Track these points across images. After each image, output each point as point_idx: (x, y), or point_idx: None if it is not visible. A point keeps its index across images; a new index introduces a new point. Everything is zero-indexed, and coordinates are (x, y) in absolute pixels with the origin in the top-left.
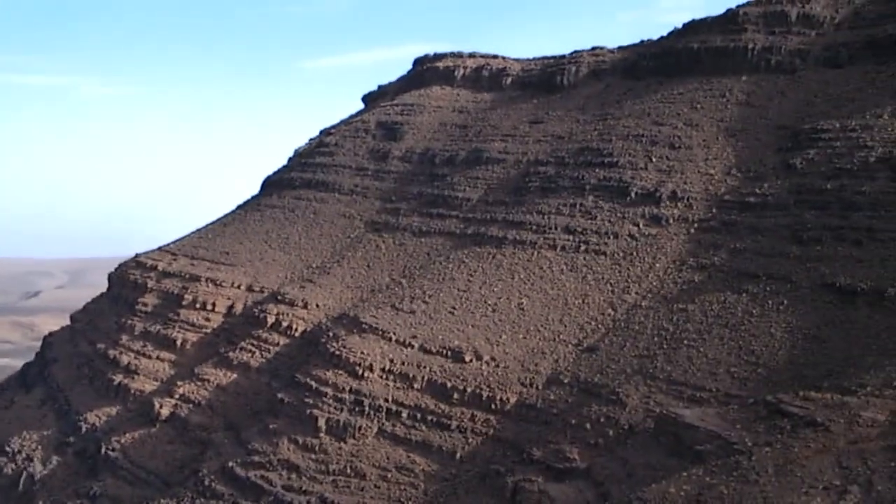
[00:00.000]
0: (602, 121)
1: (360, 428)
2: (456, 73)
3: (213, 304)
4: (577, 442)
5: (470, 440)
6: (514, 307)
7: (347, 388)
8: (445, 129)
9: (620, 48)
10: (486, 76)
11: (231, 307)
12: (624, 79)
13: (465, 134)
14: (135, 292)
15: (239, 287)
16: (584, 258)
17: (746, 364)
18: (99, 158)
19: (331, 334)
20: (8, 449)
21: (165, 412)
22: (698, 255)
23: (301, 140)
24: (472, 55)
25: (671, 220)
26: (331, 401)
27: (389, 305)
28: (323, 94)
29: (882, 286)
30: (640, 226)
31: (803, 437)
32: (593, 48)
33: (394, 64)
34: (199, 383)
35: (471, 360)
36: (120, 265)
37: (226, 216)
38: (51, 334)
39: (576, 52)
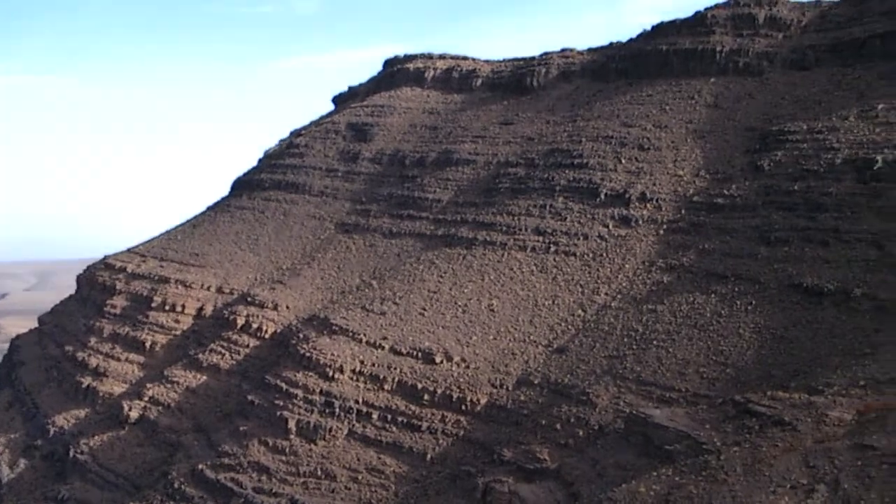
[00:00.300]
0: (572, 122)
1: (330, 429)
2: (426, 74)
3: (183, 306)
4: (547, 442)
5: (440, 441)
6: (484, 308)
7: (318, 390)
8: (416, 130)
9: (590, 50)
10: (456, 77)
11: (201, 309)
12: (593, 80)
13: (435, 135)
14: (103, 294)
15: (208, 289)
16: (554, 259)
17: (715, 364)
18: (66, 159)
19: (301, 336)
20: None
21: (134, 415)
22: (667, 255)
23: (271, 141)
24: (442, 56)
25: (640, 222)
26: (301, 402)
27: (360, 307)
28: (293, 94)
29: (848, 287)
30: (610, 227)
31: (771, 436)
32: (563, 50)
33: (364, 65)
34: (168, 385)
35: (441, 362)
36: (88, 267)
37: (195, 217)
38: (18, 337)
39: (545, 53)
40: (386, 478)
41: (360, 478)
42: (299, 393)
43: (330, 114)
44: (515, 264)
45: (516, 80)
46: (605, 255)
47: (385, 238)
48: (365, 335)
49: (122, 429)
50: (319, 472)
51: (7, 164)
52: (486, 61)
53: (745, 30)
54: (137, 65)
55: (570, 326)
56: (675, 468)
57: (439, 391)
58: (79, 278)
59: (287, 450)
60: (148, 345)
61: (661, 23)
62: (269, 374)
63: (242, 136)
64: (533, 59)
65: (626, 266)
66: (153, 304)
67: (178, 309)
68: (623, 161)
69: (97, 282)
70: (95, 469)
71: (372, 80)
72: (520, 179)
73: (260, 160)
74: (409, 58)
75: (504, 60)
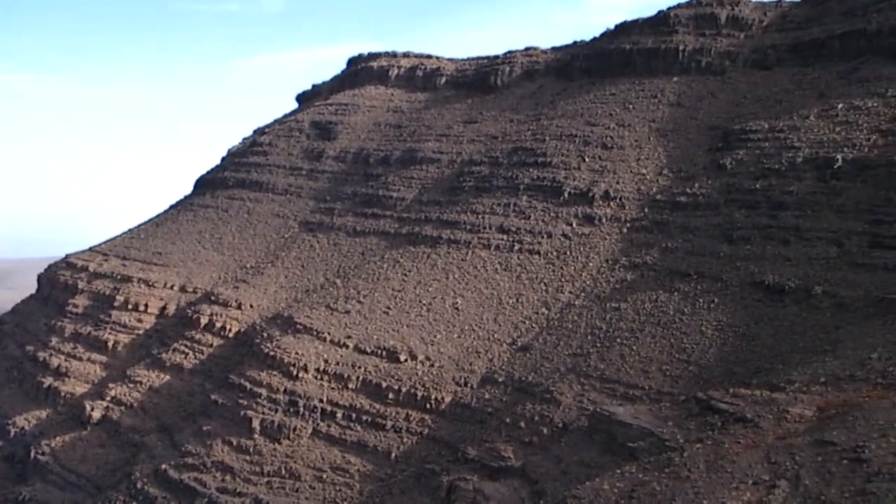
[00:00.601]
0: (535, 121)
1: (294, 429)
2: (390, 72)
3: (146, 305)
4: (511, 440)
5: (405, 440)
6: (448, 307)
7: (282, 389)
8: (380, 128)
9: (553, 49)
10: (420, 76)
11: (164, 308)
12: (557, 79)
13: (399, 134)
14: (65, 293)
15: (172, 288)
16: (518, 258)
17: (678, 361)
18: (22, 157)
19: (265, 335)
20: None
21: (97, 415)
22: (630, 254)
23: (235, 139)
24: (406, 55)
25: (604, 220)
26: (265, 402)
27: (324, 305)
28: (257, 92)
29: (809, 284)
30: (574, 225)
31: (733, 433)
32: (527, 49)
33: (329, 63)
34: (131, 385)
35: (406, 360)
36: (50, 266)
37: (158, 216)
38: None
39: (509, 52)
40: (350, 477)
41: (324, 477)
42: (263, 392)
43: (294, 112)
44: (480, 263)
45: (480, 78)
46: (568, 253)
47: (349, 237)
48: (329, 334)
49: (85, 429)
50: (284, 472)
51: None
52: (451, 60)
53: (708, 29)
54: (99, 62)
55: (534, 325)
56: (638, 465)
57: (404, 390)
58: (40, 277)
59: (251, 449)
60: (110, 344)
61: (624, 22)
62: (233, 373)
63: (207, 135)
64: (497, 57)
65: (590, 264)
66: (115, 304)
67: (141, 308)
68: (586, 160)
69: (59, 281)
70: (57, 470)
71: (336, 79)
72: (484, 178)
73: (223, 158)
74: (373, 56)
75: (468, 59)
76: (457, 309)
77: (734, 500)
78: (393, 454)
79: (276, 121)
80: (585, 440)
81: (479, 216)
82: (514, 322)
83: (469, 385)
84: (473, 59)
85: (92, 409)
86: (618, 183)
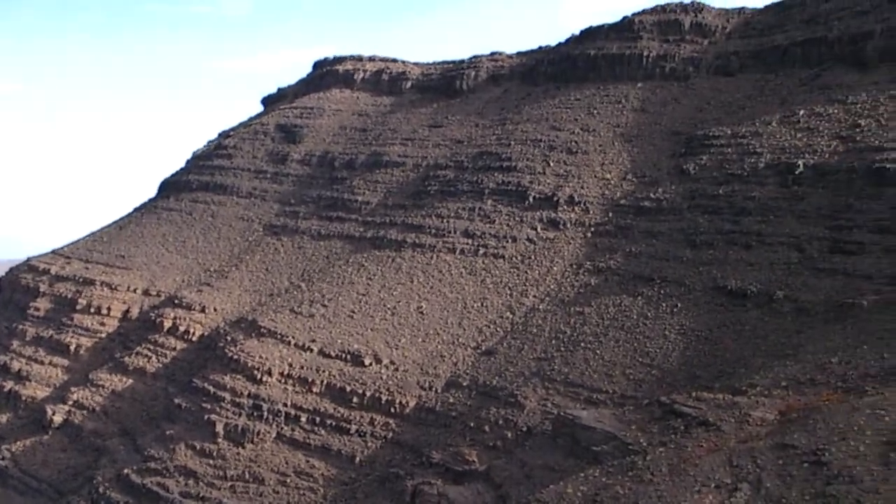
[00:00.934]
0: (501, 125)
1: (258, 433)
2: (356, 76)
3: (109, 309)
4: (475, 444)
5: (369, 444)
6: (413, 311)
7: (246, 393)
8: (345, 132)
9: (519, 53)
10: (386, 80)
11: (127, 311)
12: (522, 84)
13: (364, 137)
14: (27, 297)
15: (135, 291)
16: (483, 262)
17: (641, 365)
18: None
19: (229, 338)
20: None
21: (58, 419)
22: (595, 258)
23: (199, 142)
24: (371, 59)
25: (568, 224)
26: (229, 406)
27: (288, 309)
28: (222, 95)
29: (770, 289)
30: (538, 230)
31: (696, 436)
32: (492, 53)
33: (295, 67)
34: (93, 389)
35: (370, 364)
36: (11, 269)
37: (121, 219)
38: None
39: (475, 56)
40: (314, 481)
41: (288, 481)
42: (227, 396)
43: (259, 115)
44: (444, 267)
45: (446, 82)
46: (533, 257)
47: (314, 240)
48: (293, 338)
49: (46, 434)
50: (247, 476)
51: None
52: (416, 64)
53: (672, 35)
54: (64, 63)
55: (498, 329)
56: (602, 469)
57: (368, 394)
58: (0, 280)
59: (214, 453)
60: (72, 348)
61: (590, 27)
62: (197, 377)
63: (171, 137)
64: (462, 62)
65: (554, 268)
66: (78, 307)
67: (104, 311)
68: (551, 164)
69: (20, 284)
70: (17, 475)
71: (301, 82)
72: (449, 182)
73: (188, 161)
74: (339, 60)
75: (434, 63)
76: (421, 313)
77: (697, 503)
78: (357, 458)
79: (241, 124)
80: (549, 444)
81: (444, 220)
82: (479, 326)
83: (433, 389)
84: (439, 63)
85: (53, 414)
86: (582, 188)
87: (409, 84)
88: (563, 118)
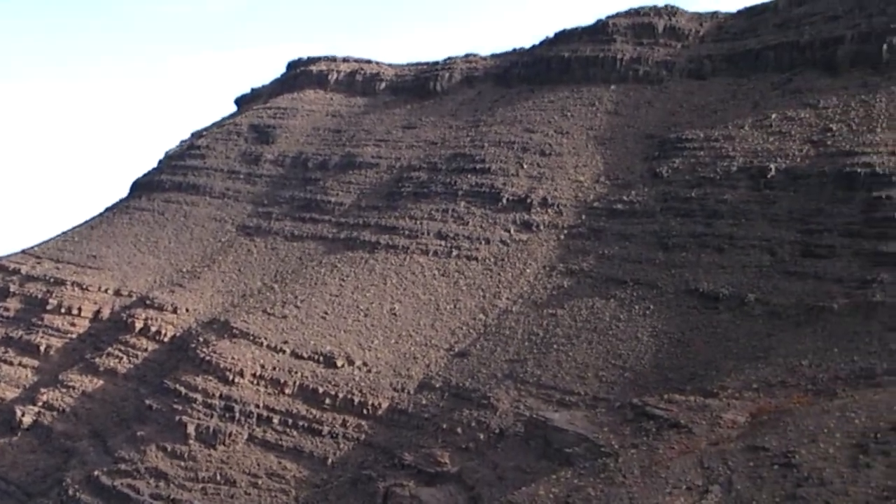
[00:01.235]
0: (474, 127)
1: (230, 434)
2: (329, 77)
3: (79, 309)
4: (448, 446)
5: (341, 445)
6: (386, 312)
7: (218, 394)
8: (318, 133)
9: (493, 55)
10: (360, 81)
11: (98, 312)
12: (496, 86)
13: (338, 138)
14: None
15: (106, 291)
16: (456, 263)
17: (614, 368)
18: None
19: (201, 339)
20: None
21: (28, 420)
22: (567, 260)
23: (172, 142)
24: (345, 59)
25: (541, 227)
26: (200, 407)
27: (261, 310)
28: (196, 94)
29: (742, 292)
30: (512, 231)
31: (667, 438)
32: (466, 55)
33: (268, 66)
34: (63, 390)
35: (343, 366)
36: None
37: (93, 219)
38: None
39: (449, 58)
40: (286, 482)
41: (260, 483)
42: (199, 397)
43: (232, 115)
44: (418, 268)
45: (420, 84)
46: (506, 259)
47: (287, 241)
48: (266, 339)
49: (15, 435)
50: (219, 478)
51: None
52: (390, 65)
53: (645, 38)
54: (29, 60)
55: (471, 330)
56: (574, 471)
57: (341, 395)
58: None
59: (186, 455)
60: (42, 348)
61: (563, 30)
62: (168, 378)
63: (143, 137)
64: (436, 63)
65: (528, 271)
66: (48, 307)
67: (75, 312)
68: (525, 166)
69: None
70: None
71: (275, 82)
72: (422, 184)
73: (160, 161)
74: (313, 60)
75: (408, 65)
76: (394, 314)
77: None
78: (329, 460)
79: (214, 124)
80: (522, 446)
81: (418, 222)
82: (452, 328)
83: (406, 391)
84: (413, 64)
85: (23, 415)
86: (555, 190)
87: (382, 85)
88: (536, 120)
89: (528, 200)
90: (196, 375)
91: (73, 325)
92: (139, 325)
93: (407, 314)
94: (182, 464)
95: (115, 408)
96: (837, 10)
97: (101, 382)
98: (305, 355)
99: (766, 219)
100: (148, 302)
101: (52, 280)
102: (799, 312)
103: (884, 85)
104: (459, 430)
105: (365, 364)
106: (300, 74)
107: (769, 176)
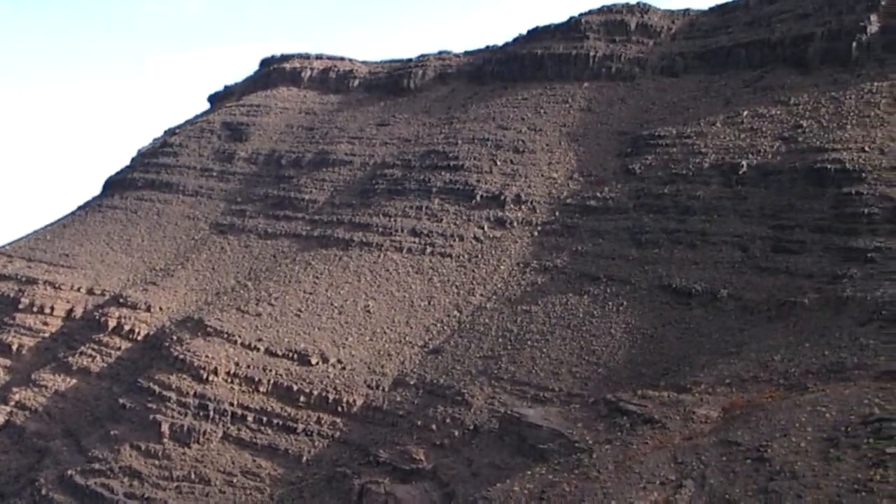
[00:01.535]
0: (448, 124)
1: (204, 433)
2: (303, 74)
3: (52, 308)
4: (422, 443)
5: (316, 443)
6: (360, 309)
7: (192, 393)
8: (292, 130)
9: (466, 53)
10: (333, 78)
11: (70, 311)
12: (469, 83)
13: (311, 136)
14: None
15: (79, 290)
16: (430, 260)
17: (588, 364)
18: None
19: (175, 338)
20: None
21: (0, 420)
22: (541, 257)
23: (144, 140)
24: (318, 57)
25: (515, 223)
26: (175, 405)
27: (235, 308)
28: (169, 92)
29: (715, 287)
30: (485, 228)
31: (641, 434)
32: (440, 52)
33: (240, 63)
34: (36, 389)
35: (317, 363)
36: None
37: (65, 217)
38: None
39: (422, 55)
40: (261, 480)
41: (234, 481)
42: (173, 396)
43: (205, 113)
44: (392, 265)
45: (393, 81)
46: (480, 256)
47: (260, 239)
48: (240, 337)
49: None
50: (193, 476)
51: None
52: (364, 62)
53: (618, 36)
54: (14, 59)
55: (445, 327)
56: (548, 467)
57: (315, 393)
58: None
59: (160, 454)
60: (14, 348)
61: (537, 27)
62: (142, 376)
63: (115, 135)
64: (410, 60)
65: (501, 267)
66: (20, 306)
67: (47, 311)
68: (498, 163)
69: None
70: None
71: (248, 80)
72: (396, 181)
73: (133, 159)
74: (286, 57)
75: (381, 62)
76: (368, 312)
77: (642, 500)
78: (304, 457)
79: (187, 121)
80: (496, 442)
81: (392, 219)
82: (426, 325)
83: (381, 388)
84: (386, 61)
85: None
86: (529, 187)
87: (356, 82)
88: (510, 117)
89: (502, 197)
90: (170, 374)
91: (45, 324)
92: (112, 323)
93: (381, 311)
94: (156, 462)
95: (88, 407)
96: (808, 8)
97: (74, 381)
98: (280, 353)
99: (737, 215)
100: (121, 300)
101: (23, 279)
102: (770, 307)
103: (853, 82)
104: (434, 426)
105: (339, 361)
106: (273, 72)
107: (741, 172)
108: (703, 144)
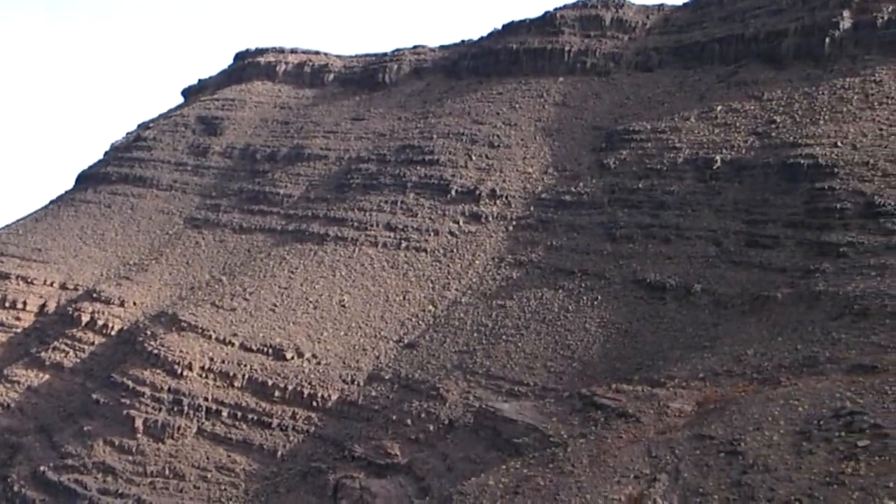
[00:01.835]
0: (423, 119)
1: (178, 428)
2: (277, 68)
3: (24, 303)
4: (398, 437)
5: (291, 438)
6: (335, 304)
7: (166, 388)
8: (267, 124)
9: (442, 47)
10: (308, 72)
11: (43, 306)
12: (445, 77)
13: (286, 130)
14: None
15: (52, 285)
16: (405, 255)
17: (562, 358)
18: None
19: (149, 333)
20: None
21: None
22: (516, 252)
23: (118, 133)
24: (293, 51)
25: (490, 218)
26: (149, 401)
27: (209, 303)
28: (142, 85)
29: (689, 282)
30: (460, 223)
31: (616, 428)
32: (415, 47)
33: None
34: (8, 385)
35: (292, 358)
36: None
37: (37, 211)
38: None
39: (398, 50)
40: (236, 476)
41: (209, 476)
42: (147, 391)
43: (179, 107)
44: (367, 260)
45: (368, 75)
46: (455, 250)
47: (235, 233)
48: (214, 331)
49: None
50: (167, 472)
51: None
52: (339, 56)
53: (593, 31)
54: None
55: (420, 322)
56: (523, 461)
57: (290, 387)
58: None
59: (134, 449)
60: None
61: (512, 22)
62: (116, 372)
63: (89, 128)
64: (385, 55)
65: (476, 262)
66: None
67: (19, 306)
68: (473, 158)
69: None
70: None
71: (222, 74)
72: (371, 175)
73: (106, 153)
74: (261, 51)
75: (356, 56)
76: (343, 306)
77: (616, 493)
78: (279, 453)
79: (161, 115)
80: (471, 436)
81: (367, 213)
82: (401, 319)
83: (356, 382)
84: (362, 55)
85: None
86: (504, 181)
87: (331, 77)
88: (485, 112)
89: (477, 192)
90: (144, 369)
91: (17, 319)
92: (86, 318)
93: (356, 306)
94: (130, 458)
95: (61, 402)
96: (781, 4)
97: (46, 377)
98: (254, 348)
99: (711, 209)
100: (94, 295)
101: None
102: (744, 302)
103: (826, 78)
104: (409, 421)
105: (314, 356)
106: (248, 66)
107: (715, 167)
108: (678, 139)
